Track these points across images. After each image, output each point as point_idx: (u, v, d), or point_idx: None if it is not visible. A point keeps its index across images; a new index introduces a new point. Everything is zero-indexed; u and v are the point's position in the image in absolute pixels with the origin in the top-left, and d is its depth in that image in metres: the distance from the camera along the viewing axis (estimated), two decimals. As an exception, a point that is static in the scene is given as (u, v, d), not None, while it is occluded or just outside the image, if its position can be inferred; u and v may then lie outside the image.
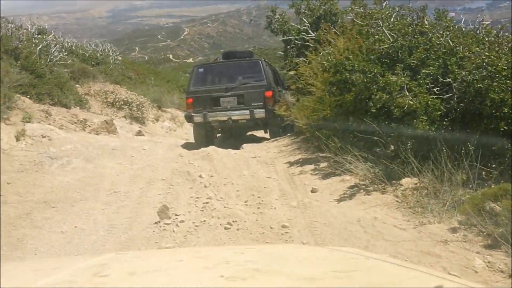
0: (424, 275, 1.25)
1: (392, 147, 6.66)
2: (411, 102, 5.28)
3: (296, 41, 9.20)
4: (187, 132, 17.25)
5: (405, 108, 5.31)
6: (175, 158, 7.63)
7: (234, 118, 9.11)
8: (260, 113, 9.01)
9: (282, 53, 10.56)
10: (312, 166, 6.72)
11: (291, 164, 7.04)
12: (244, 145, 9.57)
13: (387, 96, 5.53)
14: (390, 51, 6.04)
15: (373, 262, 1.44)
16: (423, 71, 5.52)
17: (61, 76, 12.58)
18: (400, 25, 6.41)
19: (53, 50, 16.34)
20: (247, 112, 8.99)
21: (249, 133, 12.25)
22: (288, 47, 10.23)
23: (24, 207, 5.21)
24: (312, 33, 8.87)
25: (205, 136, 9.68)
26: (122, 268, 1.36)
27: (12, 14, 15.67)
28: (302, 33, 8.98)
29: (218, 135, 11.45)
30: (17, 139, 7.08)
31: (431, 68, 5.49)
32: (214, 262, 1.39)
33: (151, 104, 16.81)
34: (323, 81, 7.18)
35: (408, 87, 5.46)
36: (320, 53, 8.10)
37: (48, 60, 13.17)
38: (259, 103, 9.02)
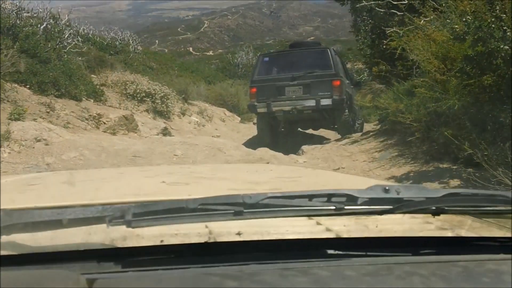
0: (363, 179, 1.48)
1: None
2: None
3: (378, 9, 6.81)
4: (217, 128, 15.23)
5: None
6: (221, 170, 5.36)
7: (299, 107, 8.34)
8: (326, 102, 8.16)
9: (351, 29, 8.24)
10: (436, 185, 4.39)
11: (398, 180, 4.70)
12: (305, 147, 7.29)
13: None
14: None
15: (319, 172, 1.58)
16: None
17: (71, 62, 10.46)
18: None
19: (66, 36, 14.37)
20: (313, 101, 8.19)
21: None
22: (359, 19, 7.88)
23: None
24: (403, -5, 6.48)
25: (269, 128, 9.11)
26: (55, 179, 1.30)
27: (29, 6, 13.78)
28: (389, -6, 6.59)
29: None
30: (-3, 145, 4.90)
31: None
32: (157, 173, 1.33)
33: (176, 96, 14.72)
34: (442, 57, 4.83)
35: None
36: (422, 20, 5.76)
37: (56, 44, 11.06)
38: (326, 93, 8.18)
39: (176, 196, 0.90)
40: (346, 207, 0.70)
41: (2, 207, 0.75)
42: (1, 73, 7.11)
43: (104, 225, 0.68)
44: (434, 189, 0.78)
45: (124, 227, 0.67)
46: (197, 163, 5.94)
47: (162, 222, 0.69)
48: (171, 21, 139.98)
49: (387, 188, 0.72)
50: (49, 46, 9.85)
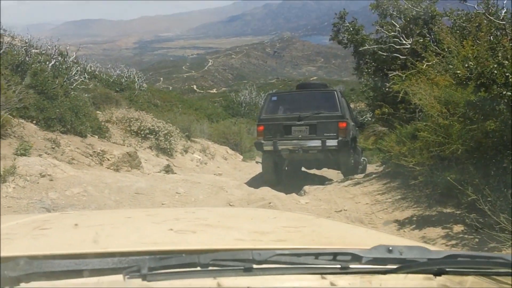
0: (365, 231, 1.50)
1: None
2: None
3: (381, 53, 6.95)
4: (219, 166, 15.21)
5: None
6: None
7: (304, 147, 8.36)
8: (332, 143, 8.13)
9: (354, 71, 8.38)
10: (439, 230, 4.36)
11: (400, 224, 4.68)
12: (306, 187, 7.29)
13: None
14: None
15: (322, 221, 1.55)
16: None
17: (78, 99, 10.60)
18: None
19: (73, 73, 14.64)
20: (319, 142, 8.18)
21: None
22: (361, 61, 8.02)
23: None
24: (405, 41, 6.61)
25: (274, 166, 9.05)
26: (65, 223, 1.31)
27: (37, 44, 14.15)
28: (394, 39, 6.73)
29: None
30: (3, 180, 4.92)
31: None
32: (164, 219, 1.36)
33: (179, 134, 14.81)
34: (445, 102, 4.89)
35: None
36: (424, 64, 5.86)
37: (64, 81, 11.24)
38: (332, 134, 8.19)
39: (185, 245, 0.92)
40: (351, 266, 0.72)
41: (19, 254, 0.77)
42: (6, 108, 7.22)
43: (120, 276, 0.70)
44: (435, 250, 0.80)
45: (139, 280, 0.69)
46: (199, 201, 5.94)
47: (176, 276, 0.71)
48: (176, 59, 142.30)
49: (390, 248, 0.75)
50: (56, 82, 10.01)
